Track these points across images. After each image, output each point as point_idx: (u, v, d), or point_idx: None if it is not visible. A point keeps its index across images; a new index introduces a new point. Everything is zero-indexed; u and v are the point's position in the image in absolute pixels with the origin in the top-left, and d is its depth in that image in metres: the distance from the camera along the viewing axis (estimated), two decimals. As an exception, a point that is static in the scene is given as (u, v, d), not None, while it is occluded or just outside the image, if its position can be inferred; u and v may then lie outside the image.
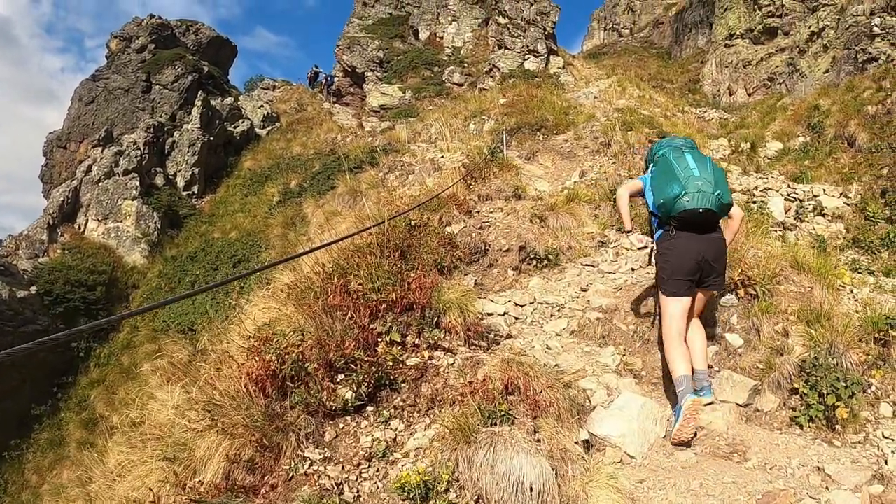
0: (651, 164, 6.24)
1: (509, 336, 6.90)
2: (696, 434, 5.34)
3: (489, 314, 7.47)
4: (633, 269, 9.20)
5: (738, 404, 5.90)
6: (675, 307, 5.66)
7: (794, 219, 15.84)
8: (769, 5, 29.68)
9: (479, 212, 10.99)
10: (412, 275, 6.39)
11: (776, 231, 15.70)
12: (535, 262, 9.81)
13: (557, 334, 7.23)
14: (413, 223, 8.54)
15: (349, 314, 5.59)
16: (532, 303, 8.14)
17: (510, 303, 8.07)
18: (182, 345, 7.69)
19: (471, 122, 23.52)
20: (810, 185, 16.53)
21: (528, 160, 18.38)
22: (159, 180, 29.68)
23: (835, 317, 6.55)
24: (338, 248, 6.87)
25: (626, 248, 10.34)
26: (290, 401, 4.81)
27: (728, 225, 6.19)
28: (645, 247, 6.70)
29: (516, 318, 7.67)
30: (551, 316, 7.79)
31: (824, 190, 16.31)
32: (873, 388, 6.00)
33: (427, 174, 15.25)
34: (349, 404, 5.01)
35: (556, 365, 5.90)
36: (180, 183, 30.56)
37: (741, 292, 7.11)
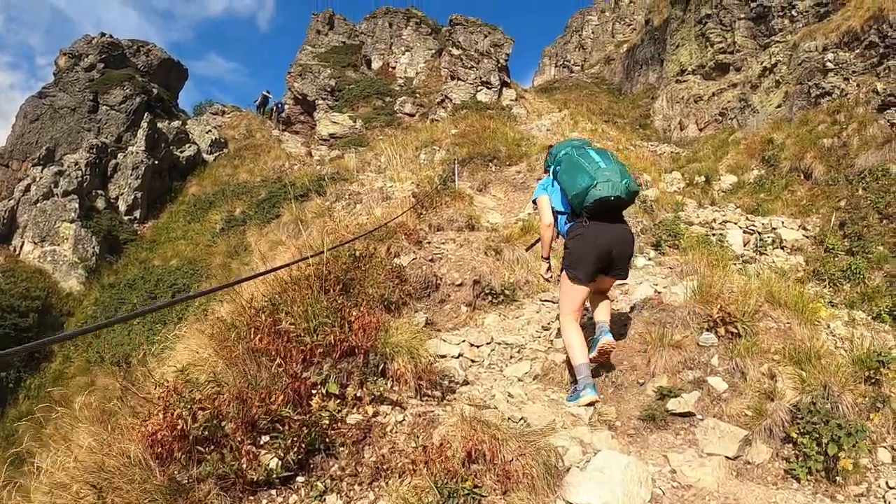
0: (554, 166, 6.24)
1: (466, 383, 6.03)
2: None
3: (442, 356, 6.64)
4: (596, 306, 8.51)
5: (727, 457, 5.15)
6: (578, 293, 5.85)
7: (754, 251, 15.37)
8: (721, 42, 29.68)
9: (429, 243, 10.22)
10: (355, 312, 5.28)
11: (736, 264, 15.26)
12: (490, 298, 9.06)
13: (519, 379, 6.41)
14: (358, 253, 7.67)
15: (278, 360, 4.56)
16: (489, 343, 7.35)
17: (465, 342, 7.26)
18: (117, 378, 6.68)
19: (421, 152, 22.84)
20: (769, 218, 16.10)
21: (480, 191, 17.72)
22: (100, 203, 28.32)
23: (824, 356, 5.90)
24: (273, 280, 5.98)
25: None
26: (200, 470, 3.73)
27: None
28: (550, 279, 6.99)
29: (473, 361, 6.83)
30: (511, 358, 6.99)
31: (783, 222, 15.90)
32: (868, 432, 5.33)
33: (375, 203, 14.47)
34: (274, 475, 3.89)
35: (521, 419, 5.04)
36: (122, 207, 29.22)
37: (721, 330, 6.40)
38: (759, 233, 15.68)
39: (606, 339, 5.93)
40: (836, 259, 15.03)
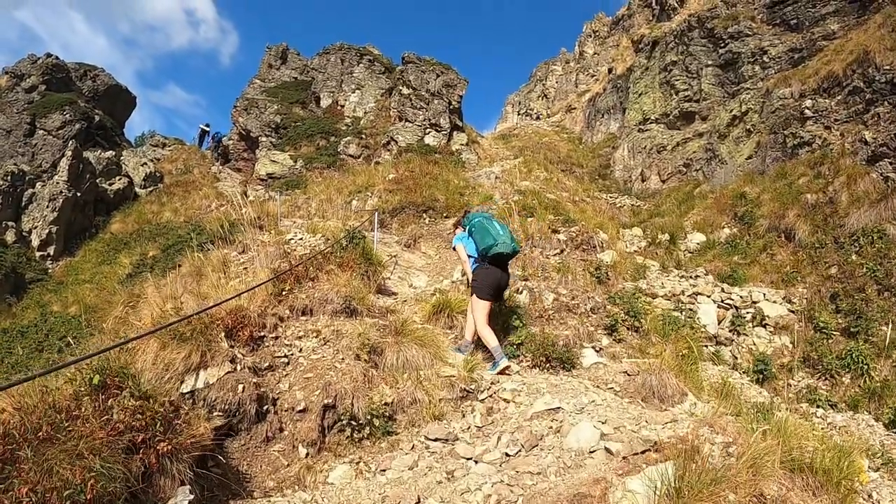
0: (468, 227, 8.50)
1: None
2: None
3: None
4: (508, 455, 5.08)
5: None
6: (485, 307, 7.85)
7: (730, 331, 12.09)
8: (687, 90, 26.82)
9: (277, 338, 6.73)
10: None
11: (708, 347, 11.90)
12: (350, 432, 5.63)
13: None
14: (99, 380, 4.26)
15: None
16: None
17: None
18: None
19: (354, 198, 19.46)
20: (748, 289, 12.86)
21: (409, 247, 14.44)
22: (10, 236, 24.23)
23: None
24: None
25: (504, 400, 6.25)
26: None
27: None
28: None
29: None
30: None
31: (764, 294, 12.66)
32: None
33: (271, 261, 11.01)
34: None
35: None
36: (35, 241, 25.07)
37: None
38: (737, 307, 12.44)
39: (506, 363, 7.39)
40: (831, 341, 11.85)
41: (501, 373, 7.19)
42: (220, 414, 5.28)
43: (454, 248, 8.74)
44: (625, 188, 28.69)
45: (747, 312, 12.28)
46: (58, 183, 26.22)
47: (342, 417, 5.66)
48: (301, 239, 12.83)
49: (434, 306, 8.91)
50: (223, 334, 6.02)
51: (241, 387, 5.48)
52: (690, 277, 13.62)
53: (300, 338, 6.75)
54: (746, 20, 24.68)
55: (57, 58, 33.07)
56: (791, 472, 4.50)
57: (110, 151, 31.01)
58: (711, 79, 25.81)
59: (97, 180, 28.37)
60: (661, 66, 29.66)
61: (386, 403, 5.89)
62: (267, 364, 6.09)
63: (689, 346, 10.03)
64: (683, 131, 26.83)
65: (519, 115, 60.28)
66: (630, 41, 39.87)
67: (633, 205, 24.54)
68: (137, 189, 30.69)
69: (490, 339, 7.56)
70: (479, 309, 7.83)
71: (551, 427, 5.42)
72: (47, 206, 25.59)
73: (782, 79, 21.02)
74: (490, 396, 6.35)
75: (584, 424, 5.17)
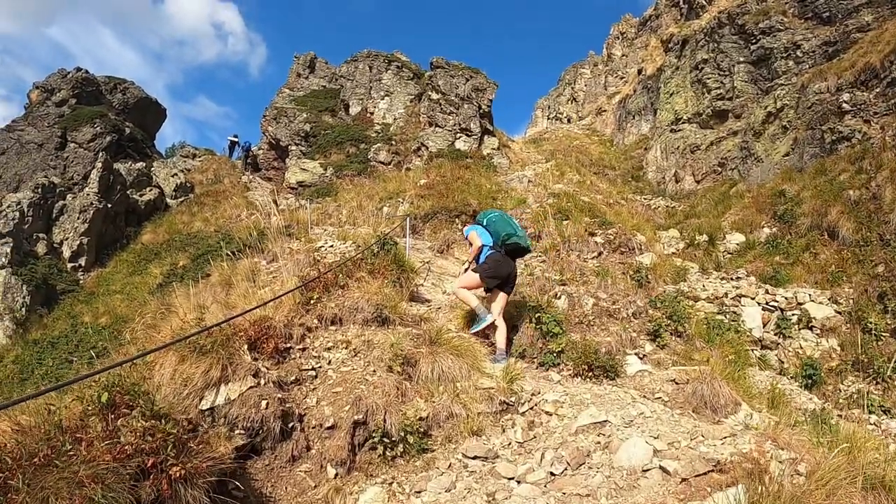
0: (486, 220, 8.49)
1: None
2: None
3: None
4: (553, 474, 4.73)
5: None
6: (476, 286, 8.16)
7: (776, 334, 11.59)
8: (719, 88, 26.21)
9: (305, 349, 6.42)
10: None
11: (754, 351, 11.41)
12: (382, 449, 5.30)
13: None
14: (108, 398, 3.97)
15: None
16: None
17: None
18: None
19: (385, 204, 19.16)
20: (793, 290, 12.33)
21: (441, 253, 14.11)
22: (41, 248, 24.24)
23: None
24: None
25: (545, 413, 5.88)
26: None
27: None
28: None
29: None
30: None
31: (810, 295, 12.12)
32: None
33: (300, 269, 10.73)
34: None
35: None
36: (66, 253, 25.08)
37: None
38: (782, 309, 11.94)
39: (490, 319, 7.94)
40: (881, 343, 11.31)
41: (487, 328, 7.87)
42: (242, 432, 4.97)
43: (466, 238, 8.79)
44: (658, 189, 28.10)
45: (793, 314, 11.78)
46: (88, 195, 26.27)
47: (374, 434, 5.33)
48: (331, 246, 12.57)
49: (469, 314, 8.56)
50: (246, 346, 5.71)
51: (264, 403, 5.16)
52: (732, 279, 13.14)
53: (329, 349, 6.43)
54: (778, 15, 24.05)
55: (87, 72, 33.31)
56: (865, 492, 4.11)
57: (141, 163, 31.10)
58: (744, 76, 25.20)
59: (128, 191, 28.42)
60: (692, 65, 29.05)
61: (420, 418, 5.55)
62: (293, 378, 5.78)
63: (736, 351, 9.60)
64: (717, 130, 26.22)
65: (549, 118, 59.74)
66: (659, 41, 39.23)
67: (667, 206, 23.98)
68: (168, 199, 30.72)
69: (472, 300, 8.06)
70: (470, 282, 8.16)
71: (598, 442, 5.06)
72: (78, 218, 25.62)
73: (817, 73, 20.39)
74: (531, 409, 5.98)
75: (635, 440, 4.79)
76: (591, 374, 7.18)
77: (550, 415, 5.83)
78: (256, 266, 11.81)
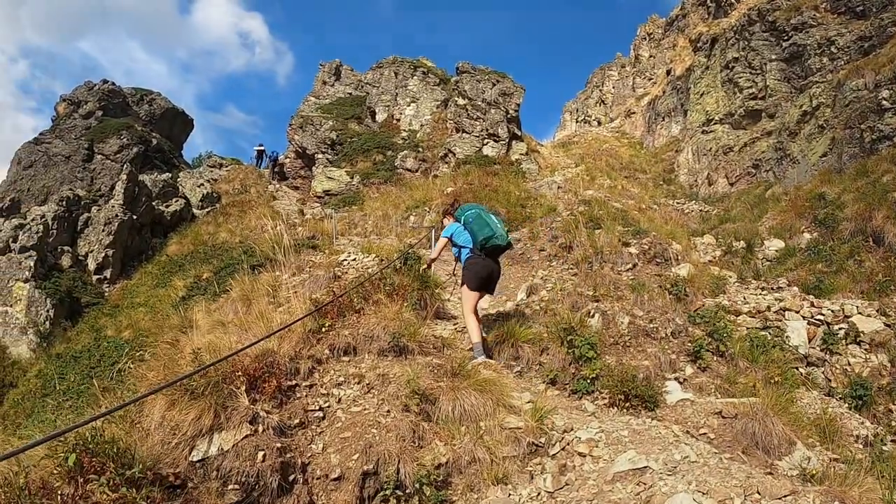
0: (464, 217, 8.50)
1: None
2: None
3: None
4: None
5: None
6: (473, 297, 8.01)
7: (822, 350, 10.85)
8: (751, 87, 25.39)
9: (313, 385, 5.87)
10: None
11: (799, 369, 10.70)
12: (396, 503, 4.73)
13: None
14: (75, 460, 3.50)
15: None
16: None
17: None
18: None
19: (412, 213, 18.67)
20: (840, 303, 11.59)
21: (468, 264, 13.47)
22: (66, 261, 24.13)
23: None
24: None
25: (579, 454, 5.29)
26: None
27: None
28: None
29: None
30: None
31: (857, 307, 11.37)
32: None
33: (320, 285, 10.25)
34: None
35: None
36: (91, 265, 24.97)
37: None
38: (828, 323, 11.20)
39: (482, 359, 7.38)
40: (936, 359, 10.49)
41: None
42: (237, 487, 4.43)
43: (443, 239, 8.76)
44: (690, 193, 27.32)
45: (840, 328, 11.03)
46: (113, 206, 26.15)
47: (385, 486, 4.76)
48: (354, 259, 12.09)
49: (496, 335, 8.02)
50: (244, 387, 5.14)
51: (260, 454, 4.61)
52: (774, 289, 12.42)
53: (339, 384, 5.88)
54: (809, 10, 23.21)
55: (113, 83, 33.53)
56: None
57: (166, 174, 31.02)
58: (776, 74, 24.37)
59: (153, 203, 28.25)
60: (723, 64, 28.23)
61: (439, 465, 4.98)
62: (297, 420, 5.23)
63: (782, 372, 8.93)
64: (750, 130, 25.39)
65: (577, 122, 58.94)
66: (687, 40, 38.30)
67: (701, 210, 23.22)
68: (195, 210, 30.53)
69: (473, 331, 7.81)
70: (470, 300, 8.04)
71: (638, 494, 4.47)
72: (103, 230, 25.49)
73: (854, 69, 19.56)
74: (563, 450, 5.38)
75: (680, 497, 4.20)
76: (628, 404, 6.57)
77: (584, 456, 5.23)
78: (278, 280, 11.35)
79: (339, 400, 5.67)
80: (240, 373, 5.24)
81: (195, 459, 4.50)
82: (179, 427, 4.59)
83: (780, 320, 11.08)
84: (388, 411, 5.41)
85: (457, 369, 6.12)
